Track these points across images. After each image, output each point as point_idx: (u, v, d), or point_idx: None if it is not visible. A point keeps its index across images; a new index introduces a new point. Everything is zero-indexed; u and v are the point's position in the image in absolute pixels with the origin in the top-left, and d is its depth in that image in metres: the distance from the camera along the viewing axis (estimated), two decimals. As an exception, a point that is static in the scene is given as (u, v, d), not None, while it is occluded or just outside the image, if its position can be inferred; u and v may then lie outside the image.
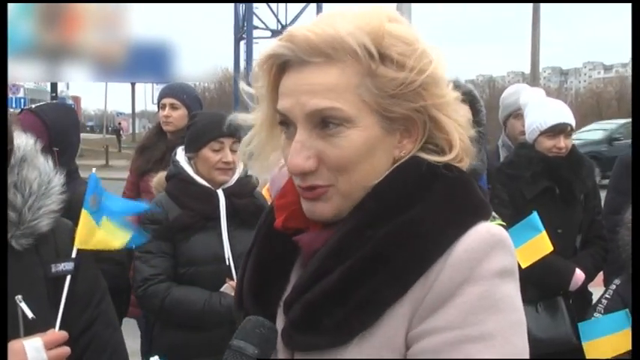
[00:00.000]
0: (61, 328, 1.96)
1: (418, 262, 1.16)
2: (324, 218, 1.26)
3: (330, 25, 1.20)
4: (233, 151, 3.23)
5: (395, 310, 1.17)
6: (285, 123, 1.25)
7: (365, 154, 1.21)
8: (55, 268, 1.97)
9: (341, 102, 1.19)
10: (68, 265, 2.01)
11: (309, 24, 1.22)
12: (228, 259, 3.18)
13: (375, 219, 1.21)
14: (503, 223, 2.46)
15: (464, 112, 1.29)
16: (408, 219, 1.19)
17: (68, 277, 2.00)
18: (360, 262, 1.18)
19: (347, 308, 1.17)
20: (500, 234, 1.19)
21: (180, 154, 3.32)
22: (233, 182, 3.29)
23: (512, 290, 1.17)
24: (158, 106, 4.62)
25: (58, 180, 2.02)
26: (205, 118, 3.33)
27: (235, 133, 3.24)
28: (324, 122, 1.20)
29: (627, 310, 3.15)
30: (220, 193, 3.24)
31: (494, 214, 2.05)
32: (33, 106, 3.29)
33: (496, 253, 1.16)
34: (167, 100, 4.48)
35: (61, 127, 3.16)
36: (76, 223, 2.20)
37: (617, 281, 3.38)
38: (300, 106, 1.21)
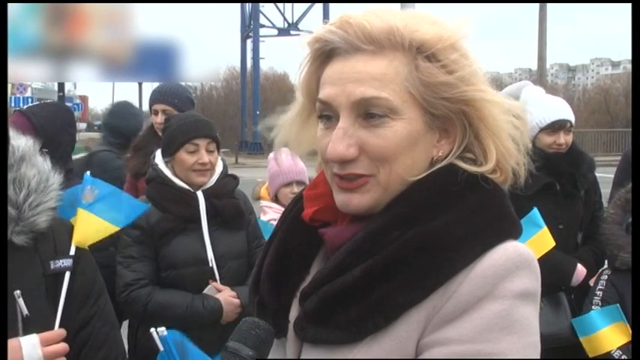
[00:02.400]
0: (60, 324, 1.99)
1: (441, 271, 1.15)
2: (358, 211, 1.24)
3: (385, 17, 1.21)
4: (209, 152, 3.21)
5: (410, 315, 1.16)
6: (326, 115, 1.24)
7: (407, 147, 1.20)
8: (54, 264, 2.01)
9: (388, 92, 1.19)
10: (67, 262, 2.05)
11: (364, 13, 1.22)
12: (211, 260, 3.17)
13: (404, 221, 1.19)
14: None
15: (514, 132, 1.27)
16: (437, 226, 1.17)
17: (67, 274, 2.03)
18: (383, 262, 1.17)
19: (363, 307, 1.17)
20: (527, 255, 1.18)
21: (159, 157, 3.29)
22: (213, 183, 3.26)
23: (530, 313, 1.15)
24: (150, 110, 4.61)
25: (55, 178, 2.06)
26: (179, 121, 3.30)
27: (210, 134, 3.24)
28: (369, 113, 1.19)
29: (618, 305, 3.19)
30: (200, 194, 3.21)
31: None
32: (25, 106, 3.29)
33: (521, 274, 1.15)
34: (159, 107, 4.48)
35: (50, 128, 3.14)
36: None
37: (607, 271, 3.41)
38: (346, 95, 1.20)
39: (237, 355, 1.20)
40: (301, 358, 1.27)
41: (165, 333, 2.48)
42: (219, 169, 3.32)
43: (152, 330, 2.44)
